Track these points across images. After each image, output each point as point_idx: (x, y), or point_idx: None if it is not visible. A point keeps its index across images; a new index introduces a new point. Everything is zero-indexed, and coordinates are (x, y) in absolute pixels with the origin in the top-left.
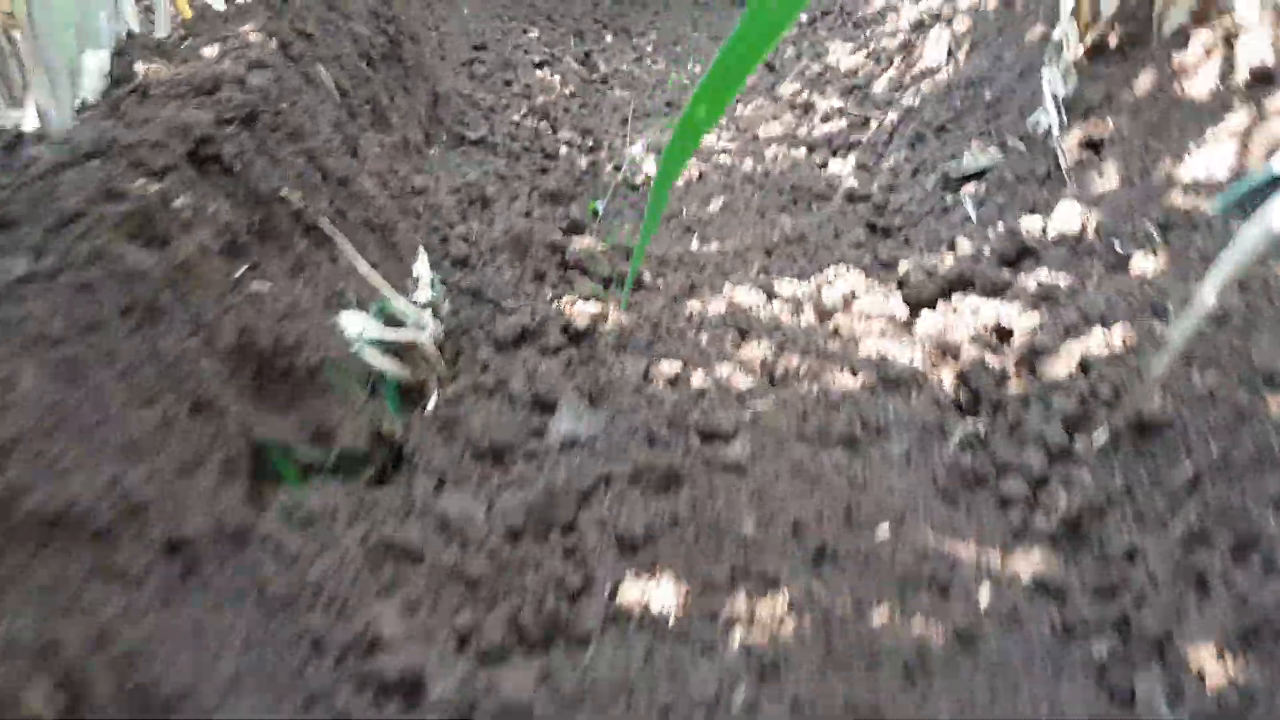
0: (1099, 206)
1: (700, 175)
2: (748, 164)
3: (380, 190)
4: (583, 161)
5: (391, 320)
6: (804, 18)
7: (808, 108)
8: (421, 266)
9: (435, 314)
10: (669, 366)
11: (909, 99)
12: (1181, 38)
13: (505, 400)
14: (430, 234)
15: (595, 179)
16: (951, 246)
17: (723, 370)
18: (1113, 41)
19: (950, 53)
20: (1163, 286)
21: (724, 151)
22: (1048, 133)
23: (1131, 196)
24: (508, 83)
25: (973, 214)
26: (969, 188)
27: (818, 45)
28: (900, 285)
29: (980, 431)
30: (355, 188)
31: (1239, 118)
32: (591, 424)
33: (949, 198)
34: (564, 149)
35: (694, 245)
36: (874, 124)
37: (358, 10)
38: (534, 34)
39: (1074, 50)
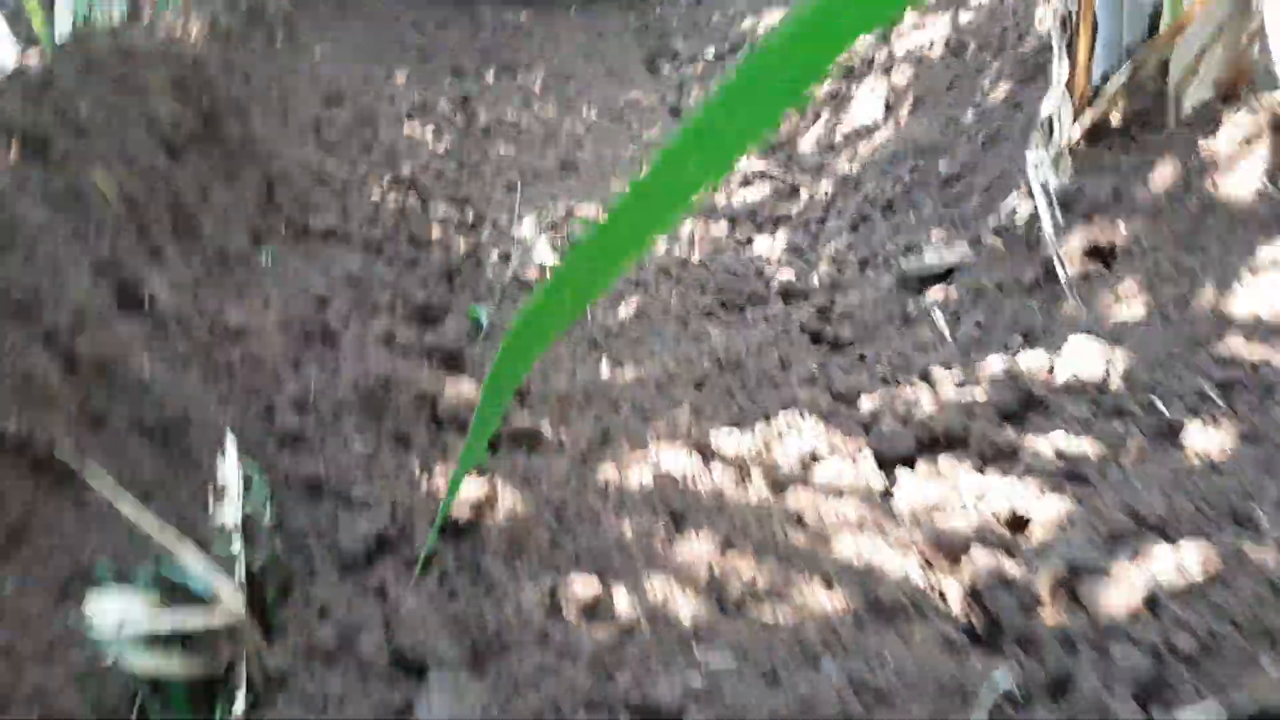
0: (1124, 344)
1: None
2: (659, 247)
3: (170, 352)
4: (461, 246)
5: (174, 587)
6: (710, 52)
7: None
8: (229, 467)
9: (249, 538)
10: (582, 584)
11: (844, 164)
12: (1208, 119)
13: (351, 671)
14: (249, 403)
15: (477, 270)
16: (925, 376)
17: (656, 587)
18: (1116, 120)
19: (889, 107)
20: (1239, 479)
21: None
22: (1030, 225)
23: (1169, 336)
24: (367, 146)
25: (946, 331)
26: (935, 293)
27: None
28: (866, 430)
29: (1014, 688)
30: (125, 370)
31: None
32: (476, 705)
33: (911, 304)
34: (437, 230)
35: (604, 371)
36: (804, 193)
37: (158, 81)
38: (402, 76)
39: (1068, 130)
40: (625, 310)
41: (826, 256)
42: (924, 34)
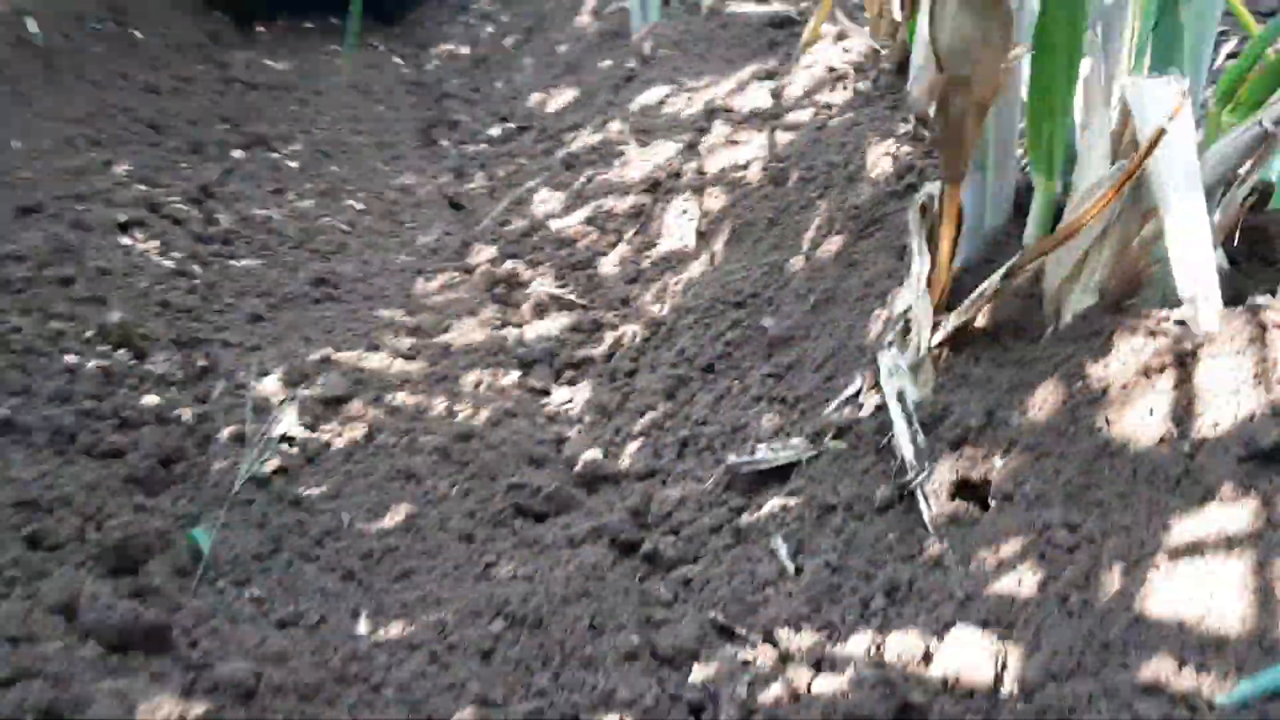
0: (1015, 637)
1: (369, 435)
2: (438, 408)
3: None
4: (186, 416)
5: None
6: (495, 131)
7: (513, 286)
8: None
9: None
10: None
11: (654, 303)
12: (1093, 333)
13: None
14: None
15: (204, 457)
16: (770, 639)
17: None
18: (983, 321)
19: (701, 236)
20: None
21: (404, 382)
22: (879, 427)
23: (1072, 634)
24: (68, 280)
25: (789, 565)
26: (772, 502)
27: (517, 182)
28: None
29: None
30: None
31: (1236, 512)
32: None
33: (745, 515)
34: (153, 397)
35: (359, 628)
36: (609, 333)
37: None
38: (125, 164)
39: (927, 334)
40: (392, 519)
41: (639, 428)
42: (738, 152)
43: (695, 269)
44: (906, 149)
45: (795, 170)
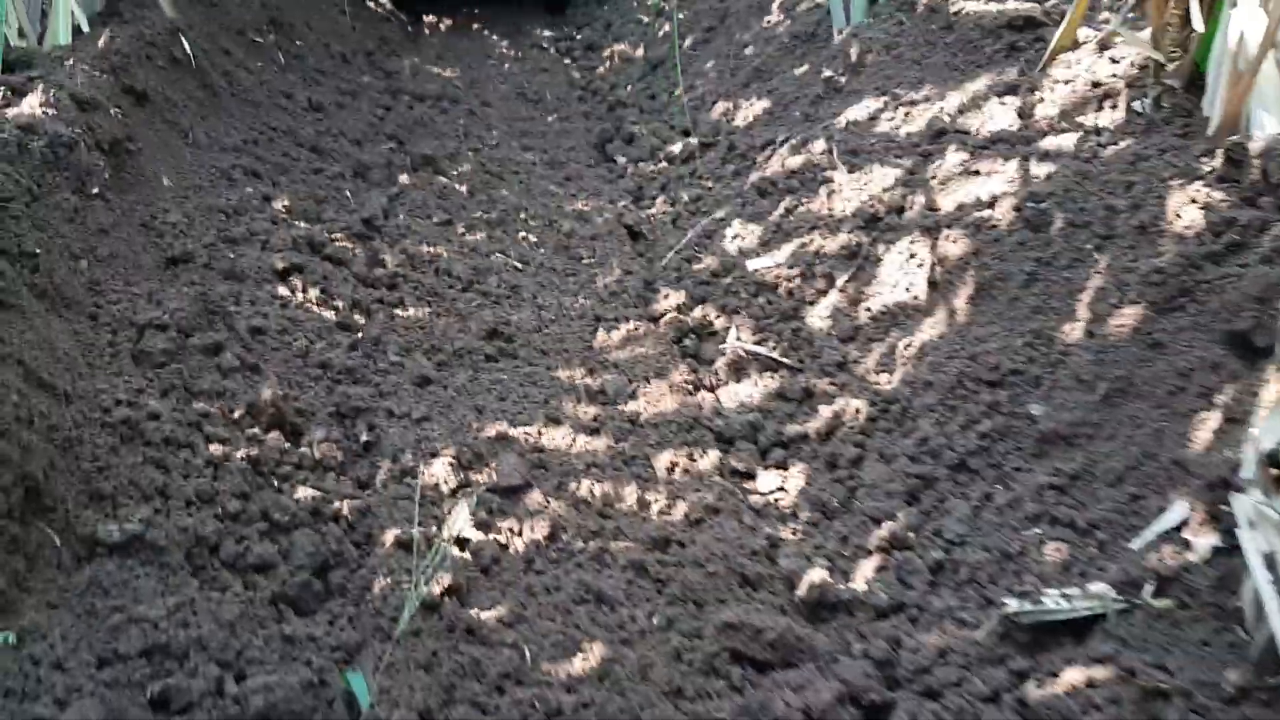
0: None
1: (552, 535)
2: (629, 499)
3: None
4: (343, 511)
5: None
6: (677, 147)
7: (704, 338)
8: None
9: None
10: None
11: (878, 370)
12: None
13: None
14: None
15: (365, 562)
16: None
17: None
18: None
19: (934, 287)
20: None
21: (586, 463)
22: (1219, 570)
23: None
24: (215, 349)
25: None
26: (1073, 674)
27: (703, 209)
28: None
29: None
30: None
31: None
32: None
33: (1032, 685)
34: (307, 489)
35: None
36: (824, 406)
37: None
38: (285, 197)
39: None
40: (583, 661)
41: (875, 541)
42: (981, 186)
43: (930, 330)
44: (1219, 196)
45: (1060, 213)
